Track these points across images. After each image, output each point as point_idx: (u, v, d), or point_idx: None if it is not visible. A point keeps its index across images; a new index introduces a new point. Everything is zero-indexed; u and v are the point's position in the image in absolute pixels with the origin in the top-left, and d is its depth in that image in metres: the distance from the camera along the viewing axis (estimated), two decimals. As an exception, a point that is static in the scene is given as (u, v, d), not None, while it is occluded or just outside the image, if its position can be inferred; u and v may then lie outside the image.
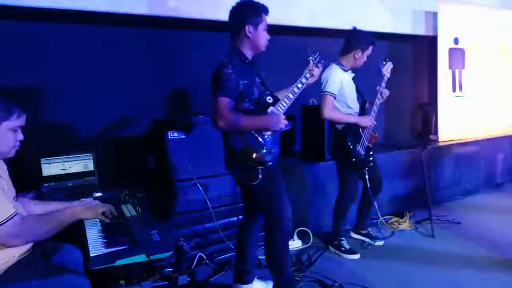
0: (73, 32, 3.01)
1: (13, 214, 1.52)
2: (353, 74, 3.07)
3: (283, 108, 2.23)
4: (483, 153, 5.01)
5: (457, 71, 4.77)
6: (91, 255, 1.53)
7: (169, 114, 3.37)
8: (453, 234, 3.55)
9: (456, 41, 4.72)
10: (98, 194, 2.39)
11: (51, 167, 2.65)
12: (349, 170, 3.06)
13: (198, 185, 2.92)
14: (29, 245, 1.72)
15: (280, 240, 2.30)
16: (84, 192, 2.44)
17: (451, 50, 4.68)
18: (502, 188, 5.13)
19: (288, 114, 2.24)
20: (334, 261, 3.06)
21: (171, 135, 2.90)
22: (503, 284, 2.67)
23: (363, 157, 3.00)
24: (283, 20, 3.51)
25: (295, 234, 3.32)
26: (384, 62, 3.16)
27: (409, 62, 5.16)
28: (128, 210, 1.97)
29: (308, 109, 3.71)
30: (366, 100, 3.12)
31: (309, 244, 3.31)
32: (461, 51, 4.78)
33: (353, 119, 3.00)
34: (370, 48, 2.99)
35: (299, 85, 2.26)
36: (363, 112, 3.09)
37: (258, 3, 2.19)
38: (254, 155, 2.12)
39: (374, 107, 3.07)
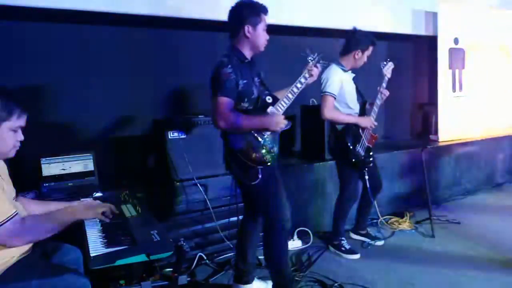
0: (73, 32, 3.01)
1: (13, 215, 1.52)
2: (353, 75, 3.07)
3: (282, 108, 2.23)
4: (483, 153, 5.02)
5: (457, 71, 4.76)
6: (91, 255, 1.53)
7: (169, 114, 3.37)
8: (453, 234, 3.55)
9: (456, 41, 4.71)
10: (98, 194, 2.39)
11: (51, 167, 2.65)
12: (349, 170, 3.06)
13: (198, 185, 2.92)
14: (29, 245, 1.72)
15: (279, 240, 2.30)
16: (84, 192, 2.44)
17: (451, 50, 4.68)
18: (502, 188, 5.13)
19: (288, 114, 2.24)
20: (334, 261, 3.06)
21: (171, 135, 2.90)
22: (503, 284, 2.67)
23: (362, 158, 3.00)
24: (283, 20, 3.50)
25: (295, 234, 3.32)
26: (385, 63, 3.16)
27: (409, 62, 5.16)
28: (128, 210, 1.98)
29: (308, 109, 3.71)
30: (366, 101, 3.12)
31: (309, 244, 3.31)
32: (461, 51, 4.78)
33: (353, 119, 3.00)
34: (370, 48, 2.99)
35: (298, 85, 2.26)
36: (363, 112, 3.09)
37: (257, 3, 2.19)
38: (254, 155, 2.12)
39: (375, 107, 3.07)
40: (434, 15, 4.63)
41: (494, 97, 5.07)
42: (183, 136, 2.93)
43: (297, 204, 3.42)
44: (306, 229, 3.40)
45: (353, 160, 2.97)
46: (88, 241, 1.66)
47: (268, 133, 2.19)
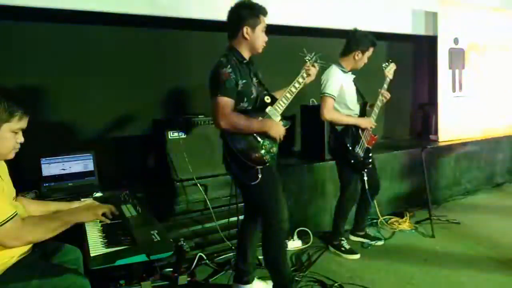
0: (73, 32, 3.01)
1: (13, 215, 1.51)
2: (354, 76, 3.07)
3: (281, 107, 2.23)
4: (483, 153, 5.02)
5: (457, 71, 4.76)
6: (91, 255, 1.52)
7: (169, 114, 3.37)
8: (453, 234, 3.55)
9: (456, 41, 4.71)
10: (98, 194, 2.39)
11: (51, 167, 2.65)
12: (349, 170, 3.05)
13: (198, 185, 2.92)
14: (29, 246, 1.72)
15: (277, 241, 2.30)
16: (84, 192, 2.44)
17: (451, 50, 4.68)
18: (502, 188, 5.13)
19: (288, 114, 2.25)
20: (334, 261, 3.06)
21: (171, 135, 2.90)
22: (503, 284, 2.67)
23: (362, 159, 3.00)
24: (283, 20, 3.50)
25: (295, 234, 3.32)
26: (387, 63, 3.15)
27: (409, 62, 5.16)
28: (128, 210, 1.97)
29: (308, 109, 3.71)
30: (366, 102, 3.11)
31: (309, 244, 3.31)
32: (461, 51, 4.78)
33: (352, 120, 3.00)
34: (371, 49, 2.98)
35: (297, 85, 2.27)
36: (363, 113, 3.08)
37: (256, 5, 2.19)
38: (253, 155, 2.12)
39: (375, 108, 3.06)
40: (434, 15, 4.63)
41: (494, 97, 5.06)
42: (183, 136, 2.93)
43: (297, 204, 3.42)
44: (306, 229, 3.40)
45: (352, 161, 2.97)
46: (88, 241, 1.65)
47: (268, 134, 2.19)
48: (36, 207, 1.89)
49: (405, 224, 3.74)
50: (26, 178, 2.54)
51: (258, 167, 2.14)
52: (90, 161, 2.76)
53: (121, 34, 3.21)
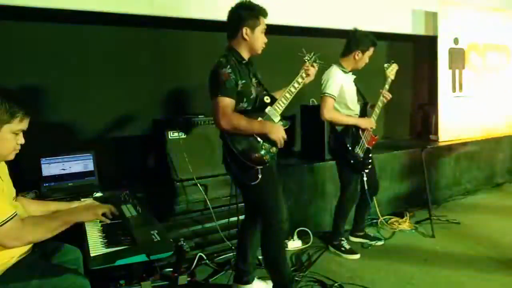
0: (73, 32, 3.01)
1: (12, 216, 1.51)
2: (354, 76, 3.07)
3: (280, 107, 2.23)
4: (483, 153, 5.02)
5: (457, 71, 4.76)
6: (91, 255, 1.52)
7: (169, 114, 3.37)
8: (453, 234, 3.55)
9: (456, 41, 4.71)
10: (98, 194, 2.39)
11: (51, 167, 2.65)
12: (348, 171, 3.05)
13: (198, 185, 2.92)
14: (29, 246, 1.72)
15: (277, 241, 2.31)
16: (84, 192, 2.44)
17: (451, 50, 4.68)
18: (502, 188, 5.13)
19: (288, 114, 2.25)
20: (334, 261, 3.06)
21: (171, 135, 2.90)
22: (503, 284, 2.67)
23: (361, 159, 3.00)
24: (283, 20, 3.50)
25: (295, 234, 3.32)
26: (388, 64, 3.14)
27: (409, 62, 5.16)
28: (128, 210, 1.97)
29: (308, 109, 3.71)
30: (367, 102, 3.11)
31: (309, 244, 3.31)
32: (461, 51, 4.78)
33: (353, 120, 3.00)
34: (371, 49, 2.98)
35: (296, 85, 2.27)
36: (364, 114, 3.08)
37: (257, 6, 2.19)
38: (253, 155, 2.12)
39: (376, 109, 3.06)
40: (434, 15, 4.63)
41: (494, 97, 5.06)
42: (183, 136, 2.93)
43: (297, 204, 3.42)
44: (306, 229, 3.40)
45: (352, 161, 2.97)
46: (88, 241, 1.65)
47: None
48: (36, 207, 1.89)
49: (405, 224, 3.74)
50: (26, 178, 2.54)
51: (258, 167, 2.14)
52: (90, 161, 2.76)
53: (121, 34, 3.21)
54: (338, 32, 3.65)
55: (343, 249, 3.14)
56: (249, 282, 2.53)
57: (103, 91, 3.12)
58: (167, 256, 1.55)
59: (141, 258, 1.51)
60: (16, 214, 1.54)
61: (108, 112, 3.17)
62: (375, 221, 3.75)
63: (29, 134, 1.69)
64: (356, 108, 3.06)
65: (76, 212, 1.79)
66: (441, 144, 4.50)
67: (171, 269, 2.04)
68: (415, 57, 5.24)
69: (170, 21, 3.21)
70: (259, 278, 2.61)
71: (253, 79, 2.25)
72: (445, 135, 4.58)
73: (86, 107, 3.06)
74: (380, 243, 3.34)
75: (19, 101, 1.60)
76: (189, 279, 2.65)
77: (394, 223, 3.78)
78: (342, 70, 2.99)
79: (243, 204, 2.54)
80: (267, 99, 2.22)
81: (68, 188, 2.64)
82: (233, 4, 2.20)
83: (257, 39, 2.19)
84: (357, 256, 3.10)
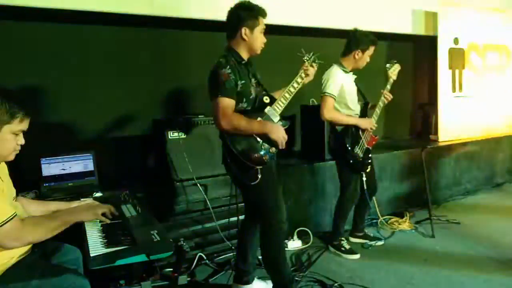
0: (73, 32, 3.01)
1: (12, 216, 1.51)
2: (355, 76, 3.07)
3: (280, 107, 2.23)
4: (483, 153, 5.02)
5: (457, 71, 4.76)
6: (91, 255, 1.52)
7: (169, 114, 3.37)
8: (453, 234, 3.55)
9: (456, 41, 4.71)
10: (98, 194, 2.39)
11: (51, 167, 2.65)
12: (348, 171, 3.05)
13: (198, 185, 2.92)
14: (29, 246, 1.72)
15: (277, 241, 2.31)
16: (84, 192, 2.44)
17: (451, 50, 4.68)
18: (502, 188, 5.13)
19: (287, 114, 2.25)
20: (334, 261, 3.06)
21: (171, 135, 2.90)
22: (503, 284, 2.67)
23: (361, 159, 3.00)
24: (283, 20, 3.50)
25: (295, 234, 3.32)
26: (390, 64, 3.12)
27: (409, 62, 5.15)
28: (128, 210, 1.97)
29: (308, 109, 3.71)
30: (368, 102, 3.10)
31: (309, 244, 3.31)
32: (461, 51, 4.78)
33: (353, 120, 2.99)
34: (371, 48, 2.97)
35: (295, 85, 2.27)
36: (364, 114, 3.08)
37: (256, 6, 2.19)
38: (253, 155, 2.12)
39: (377, 109, 3.05)
40: (434, 15, 4.63)
41: (494, 97, 5.06)
42: (183, 136, 2.93)
43: (297, 204, 3.42)
44: (306, 229, 3.40)
45: (351, 161, 2.97)
46: (88, 241, 1.65)
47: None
48: (36, 207, 1.89)
49: (405, 224, 3.74)
50: (26, 178, 2.54)
51: (258, 167, 2.14)
52: (90, 161, 2.76)
53: (121, 34, 3.21)
54: (338, 32, 3.65)
55: (343, 249, 3.14)
56: (249, 282, 2.53)
57: (103, 91, 3.12)
58: (167, 256, 1.55)
59: (141, 258, 1.51)
60: (16, 215, 1.53)
61: (108, 112, 3.17)
62: (375, 221, 3.75)
63: (29, 134, 1.69)
64: (356, 108, 3.06)
65: (76, 212, 1.79)
66: (441, 144, 4.50)
67: (171, 269, 2.03)
68: (415, 57, 5.24)
69: (170, 21, 3.21)
70: (259, 278, 2.61)
71: (253, 80, 2.25)
72: (445, 135, 4.58)
73: (86, 107, 3.06)
74: (380, 243, 3.34)
75: (19, 101, 1.60)
76: (189, 279, 2.65)
77: (394, 223, 3.78)
78: (343, 70, 2.99)
79: (243, 204, 2.55)
80: (266, 99, 2.22)
81: (68, 188, 2.64)
82: (233, 4, 2.20)
83: (256, 39, 2.19)
84: (357, 256, 3.10)
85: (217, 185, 3.03)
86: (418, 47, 5.19)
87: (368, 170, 3.08)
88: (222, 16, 2.27)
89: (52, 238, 1.65)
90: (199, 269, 2.84)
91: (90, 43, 3.08)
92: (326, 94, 2.91)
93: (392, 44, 4.81)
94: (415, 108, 5.31)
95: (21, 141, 1.63)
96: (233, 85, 2.09)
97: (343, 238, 3.20)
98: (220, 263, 2.93)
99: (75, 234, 1.77)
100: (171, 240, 1.64)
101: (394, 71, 3.12)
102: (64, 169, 2.68)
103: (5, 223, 1.48)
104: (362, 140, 3.01)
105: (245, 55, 2.23)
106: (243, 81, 2.14)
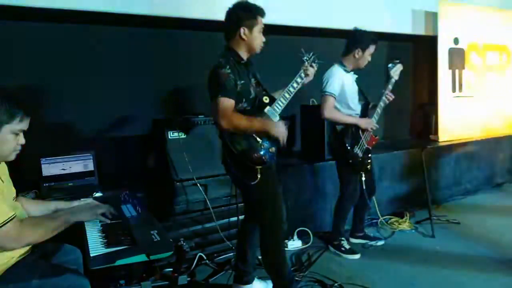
0: (73, 32, 3.01)
1: (11, 218, 1.51)
2: (356, 76, 3.07)
3: (279, 107, 2.23)
4: (483, 153, 5.02)
5: (457, 71, 4.76)
6: (91, 255, 1.52)
7: (169, 114, 3.37)
8: (453, 234, 3.55)
9: (456, 41, 4.71)
10: (98, 194, 2.39)
11: (51, 167, 2.65)
12: (348, 171, 3.05)
13: (198, 185, 2.92)
14: (29, 246, 1.71)
15: (276, 241, 2.31)
16: (84, 192, 2.44)
17: (451, 50, 4.68)
18: (502, 188, 5.13)
19: (287, 114, 2.24)
20: (334, 261, 3.06)
21: (171, 135, 2.90)
22: (503, 284, 2.67)
23: (360, 159, 3.00)
24: (283, 20, 3.50)
25: (295, 234, 3.32)
26: (393, 64, 3.10)
27: (409, 62, 5.15)
28: (128, 210, 1.97)
29: (308, 109, 3.71)
30: (369, 102, 3.10)
31: (309, 244, 3.31)
32: (461, 51, 4.78)
33: (353, 120, 2.99)
34: (372, 47, 2.97)
35: (295, 85, 2.27)
36: (365, 114, 3.08)
37: (254, 6, 2.19)
38: (253, 155, 2.12)
39: (378, 109, 3.05)
40: (434, 15, 4.63)
41: (494, 97, 5.06)
42: (183, 136, 2.93)
43: (297, 204, 3.42)
44: (306, 229, 3.40)
45: (350, 161, 2.97)
46: (88, 241, 1.65)
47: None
48: (36, 207, 1.89)
49: (405, 224, 3.74)
50: (26, 178, 2.54)
51: (258, 167, 2.14)
52: (90, 161, 2.76)
53: (121, 34, 3.21)
54: (338, 32, 3.65)
55: (343, 249, 3.14)
56: (249, 282, 2.53)
57: (103, 91, 3.11)
58: (167, 256, 1.55)
59: (141, 258, 1.51)
60: (15, 216, 1.53)
61: (108, 112, 3.17)
62: (375, 221, 3.75)
63: (29, 134, 1.69)
64: (357, 107, 3.06)
65: (75, 212, 1.78)
66: (441, 144, 4.50)
67: (171, 269, 2.04)
68: (415, 57, 5.24)
69: (170, 21, 3.21)
70: (259, 278, 2.61)
71: (252, 79, 2.25)
72: (445, 135, 4.58)
73: (86, 107, 3.06)
74: (380, 243, 3.34)
75: (19, 101, 1.59)
76: (189, 279, 2.65)
77: (394, 223, 3.78)
78: (344, 69, 2.99)
79: (243, 204, 2.55)
80: (266, 99, 2.22)
81: (68, 188, 2.64)
82: (231, 5, 2.20)
83: (255, 38, 2.19)
84: (357, 256, 3.10)
85: (217, 185, 3.03)
86: (418, 47, 5.18)
87: (368, 170, 3.08)
88: (222, 16, 2.26)
89: (52, 238, 1.64)
90: (199, 269, 2.84)
91: (90, 43, 3.07)
92: (326, 93, 2.91)
93: (392, 44, 4.81)
94: (415, 108, 5.31)
95: (22, 140, 1.63)
96: (233, 85, 2.09)
97: (343, 238, 3.19)
98: (220, 263, 2.93)
99: (75, 234, 1.77)
100: (171, 240, 1.65)
101: (396, 71, 3.09)
102: (64, 169, 2.68)
103: (4, 224, 1.48)
104: (362, 140, 3.00)
105: (244, 55, 2.23)
106: (242, 81, 2.14)
